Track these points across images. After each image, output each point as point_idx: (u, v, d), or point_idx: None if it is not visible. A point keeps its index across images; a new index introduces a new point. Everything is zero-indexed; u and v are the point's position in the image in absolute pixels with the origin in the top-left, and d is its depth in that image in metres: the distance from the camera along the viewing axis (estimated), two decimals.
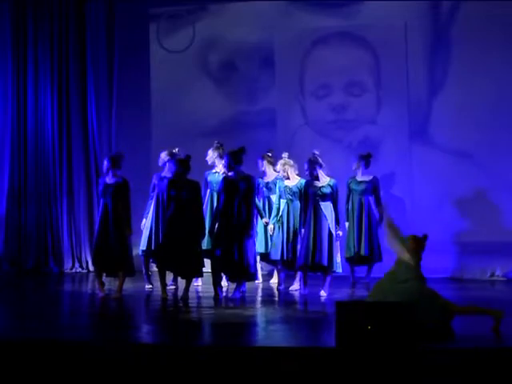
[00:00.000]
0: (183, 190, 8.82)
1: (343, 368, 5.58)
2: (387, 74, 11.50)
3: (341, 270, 9.25)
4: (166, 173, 9.58)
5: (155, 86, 12.10)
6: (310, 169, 9.14)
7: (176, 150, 9.72)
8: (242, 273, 8.85)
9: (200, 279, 9.75)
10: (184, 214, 8.80)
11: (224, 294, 9.07)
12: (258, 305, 8.70)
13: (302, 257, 9.05)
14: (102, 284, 9.06)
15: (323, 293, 9.05)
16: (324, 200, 9.09)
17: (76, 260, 11.96)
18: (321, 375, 5.72)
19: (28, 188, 12.01)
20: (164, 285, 8.95)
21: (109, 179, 8.97)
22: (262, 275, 10.38)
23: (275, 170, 9.85)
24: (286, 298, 9.17)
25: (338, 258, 9.12)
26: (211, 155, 9.96)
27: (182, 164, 8.93)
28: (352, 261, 10.39)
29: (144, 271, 9.77)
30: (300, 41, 11.71)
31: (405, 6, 11.34)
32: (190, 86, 11.97)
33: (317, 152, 9.24)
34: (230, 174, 9.01)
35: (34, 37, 12.03)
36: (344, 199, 10.32)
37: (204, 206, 9.37)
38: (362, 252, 10.24)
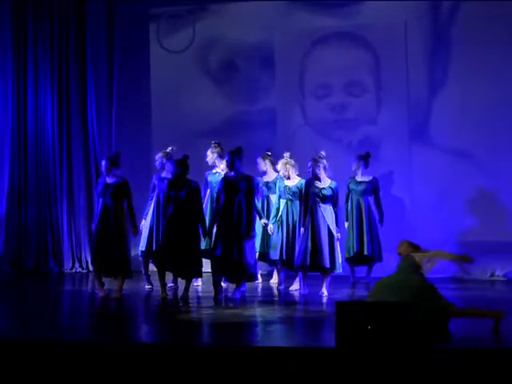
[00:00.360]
0: (182, 190, 8.81)
1: (343, 368, 5.57)
2: (387, 74, 11.50)
3: (341, 270, 9.25)
4: (166, 173, 9.58)
5: (155, 86, 12.10)
6: (312, 167, 9.13)
7: (170, 149, 9.74)
8: (241, 273, 8.84)
9: (200, 279, 9.76)
10: (183, 214, 8.79)
11: (224, 294, 9.06)
12: (258, 305, 8.69)
13: (300, 257, 9.05)
14: (101, 284, 9.06)
15: (324, 293, 9.05)
16: (324, 202, 9.09)
17: (76, 260, 11.96)
18: (321, 375, 5.72)
19: (28, 188, 12.01)
20: (164, 285, 8.94)
21: (109, 179, 8.98)
22: (262, 275, 10.38)
23: (275, 170, 9.84)
24: (286, 298, 9.18)
25: (339, 259, 9.12)
26: (210, 156, 9.97)
27: (180, 164, 8.92)
28: (352, 261, 10.39)
29: (143, 271, 9.77)
30: (300, 41, 11.71)
31: (405, 6, 11.34)
32: (190, 86, 11.97)
33: (323, 153, 9.25)
34: (230, 173, 9.00)
35: (34, 37, 12.02)
36: (343, 200, 10.31)
37: (204, 206, 9.36)
38: (366, 252, 10.22)
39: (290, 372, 5.78)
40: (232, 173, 8.94)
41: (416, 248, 6.95)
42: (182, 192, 8.79)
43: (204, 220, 8.98)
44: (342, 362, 5.58)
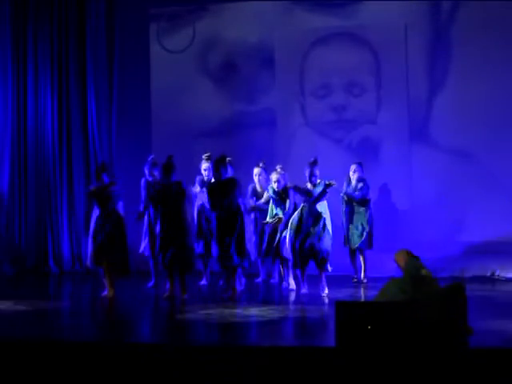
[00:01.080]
0: (169, 192, 8.82)
1: (343, 368, 5.58)
2: (387, 74, 11.50)
3: (330, 269, 9.23)
4: (149, 177, 9.71)
5: (155, 86, 12.10)
6: (311, 169, 9.19)
7: (152, 157, 9.85)
8: (241, 259, 8.86)
9: (205, 278, 9.88)
10: (172, 214, 8.80)
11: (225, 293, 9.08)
12: (258, 305, 8.69)
13: (291, 254, 9.10)
14: (110, 283, 9.08)
15: (324, 292, 9.07)
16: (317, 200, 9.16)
17: (76, 260, 11.97)
18: (321, 375, 5.72)
19: (28, 188, 12.02)
20: (171, 283, 8.97)
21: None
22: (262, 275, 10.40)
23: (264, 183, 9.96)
24: (285, 298, 9.18)
25: (327, 255, 9.13)
26: (205, 167, 9.91)
27: (165, 169, 8.90)
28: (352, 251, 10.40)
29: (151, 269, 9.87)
30: (300, 41, 11.71)
31: (405, 6, 11.34)
32: (190, 86, 11.97)
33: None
34: (213, 181, 9.03)
35: (34, 37, 12.03)
36: (339, 199, 10.30)
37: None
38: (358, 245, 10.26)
39: (289, 372, 5.78)
40: (214, 179, 8.98)
41: (414, 258, 6.87)
42: (169, 194, 8.80)
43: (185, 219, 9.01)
44: (342, 362, 5.58)
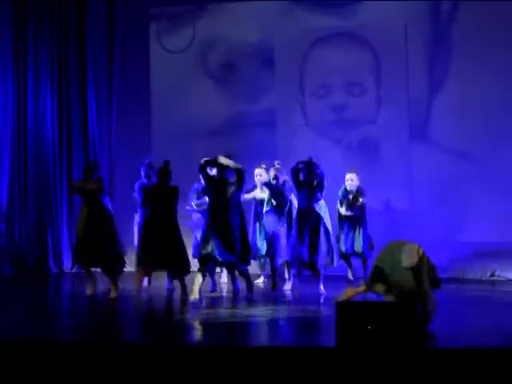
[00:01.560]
0: (164, 195, 8.77)
1: (343, 368, 5.58)
2: (387, 74, 11.50)
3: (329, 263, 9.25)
4: (145, 179, 9.68)
5: (155, 86, 12.11)
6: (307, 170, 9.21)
7: (147, 161, 9.81)
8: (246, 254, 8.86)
9: (207, 280, 9.85)
10: (163, 218, 8.73)
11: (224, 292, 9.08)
12: (258, 305, 8.69)
13: (297, 254, 9.12)
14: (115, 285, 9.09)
15: (321, 291, 9.09)
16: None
17: None
18: (321, 375, 5.72)
19: (28, 188, 12.03)
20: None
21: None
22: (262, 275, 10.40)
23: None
24: (284, 298, 9.17)
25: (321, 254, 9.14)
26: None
27: (161, 174, 8.84)
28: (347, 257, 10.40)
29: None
30: (300, 41, 11.71)
31: (405, 6, 11.34)
32: (190, 86, 11.98)
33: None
34: (213, 173, 8.97)
35: (34, 37, 12.04)
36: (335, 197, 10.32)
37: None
38: (359, 250, 10.24)
39: (289, 372, 5.78)
40: (215, 173, 8.92)
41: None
42: (162, 199, 8.74)
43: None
44: (341, 362, 5.58)
